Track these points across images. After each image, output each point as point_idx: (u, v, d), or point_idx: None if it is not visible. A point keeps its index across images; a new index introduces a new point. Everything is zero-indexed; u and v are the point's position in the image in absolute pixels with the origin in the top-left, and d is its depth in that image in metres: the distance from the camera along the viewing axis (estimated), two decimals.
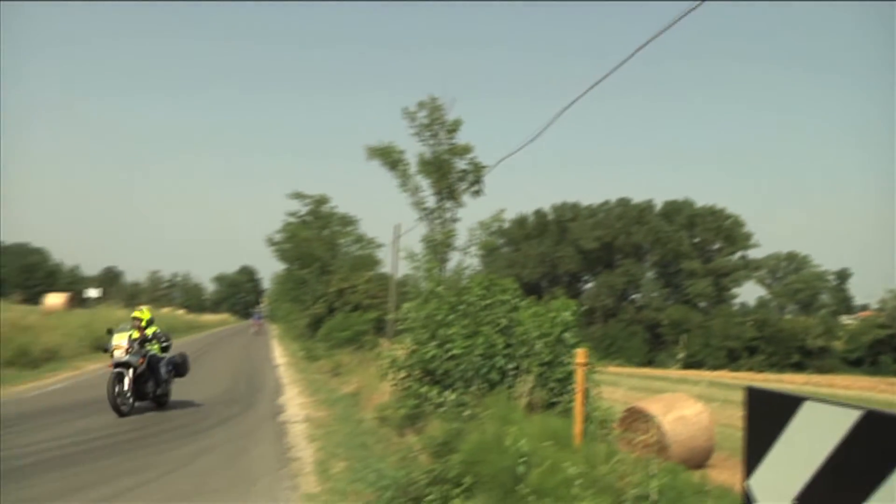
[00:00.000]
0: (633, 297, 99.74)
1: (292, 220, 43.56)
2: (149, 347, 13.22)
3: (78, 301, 51.03)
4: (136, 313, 13.69)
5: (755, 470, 2.89)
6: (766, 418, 2.82)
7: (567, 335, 9.64)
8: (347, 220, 42.92)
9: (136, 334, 12.93)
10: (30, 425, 10.95)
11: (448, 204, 23.34)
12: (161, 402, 13.66)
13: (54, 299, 49.77)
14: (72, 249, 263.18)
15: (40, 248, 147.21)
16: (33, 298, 62.25)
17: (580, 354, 6.76)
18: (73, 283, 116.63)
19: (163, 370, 13.52)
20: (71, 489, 7.28)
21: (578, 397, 6.52)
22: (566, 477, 5.06)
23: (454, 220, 23.54)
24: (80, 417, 11.97)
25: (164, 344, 13.73)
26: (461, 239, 23.27)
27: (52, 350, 21.74)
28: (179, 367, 14.30)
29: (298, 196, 42.65)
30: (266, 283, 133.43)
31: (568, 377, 9.47)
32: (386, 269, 39.23)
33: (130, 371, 12.49)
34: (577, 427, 6.30)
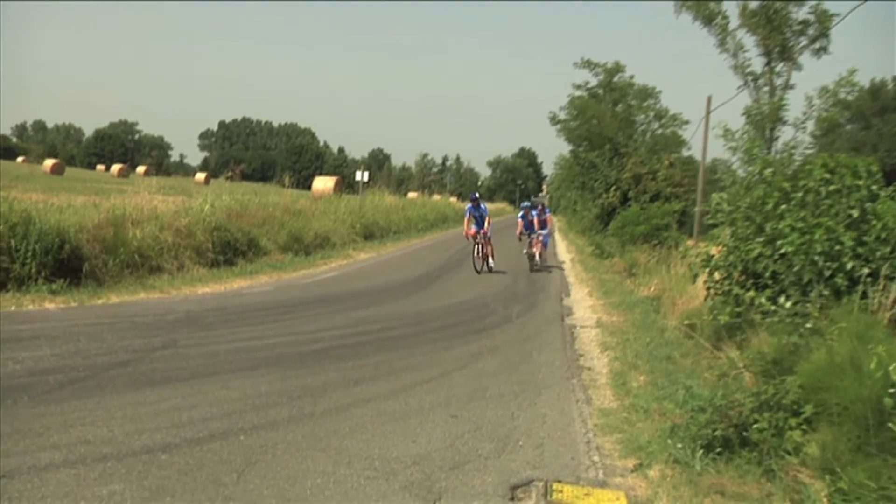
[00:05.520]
0: None
1: (580, 93, 43.35)
2: None
3: (346, 185, 55.90)
4: None
5: None
6: None
7: None
8: (646, 93, 41.72)
9: None
10: (307, 313, 12.35)
11: (779, 66, 21.65)
12: None
13: (323, 183, 55.03)
14: (338, 130, 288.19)
15: (308, 128, 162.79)
16: (302, 182, 69.41)
17: None
18: (340, 167, 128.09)
19: None
20: (349, 381, 8.10)
21: None
22: None
23: (786, 88, 21.84)
24: (354, 308, 13.23)
25: None
26: (794, 111, 21.55)
27: (323, 237, 24.09)
28: None
29: (588, 65, 42.23)
30: (548, 169, 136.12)
31: None
32: (692, 151, 37.90)
33: None
34: None
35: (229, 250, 17.68)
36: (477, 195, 22.10)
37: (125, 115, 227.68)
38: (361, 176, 39.46)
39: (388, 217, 34.17)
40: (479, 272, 20.63)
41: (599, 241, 31.59)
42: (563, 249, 35.98)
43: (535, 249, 23.22)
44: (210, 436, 5.87)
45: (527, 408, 7.67)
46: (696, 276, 10.89)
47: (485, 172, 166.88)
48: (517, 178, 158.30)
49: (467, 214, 21.58)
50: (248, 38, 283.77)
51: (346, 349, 9.76)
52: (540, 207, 24.74)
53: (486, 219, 21.07)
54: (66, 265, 12.58)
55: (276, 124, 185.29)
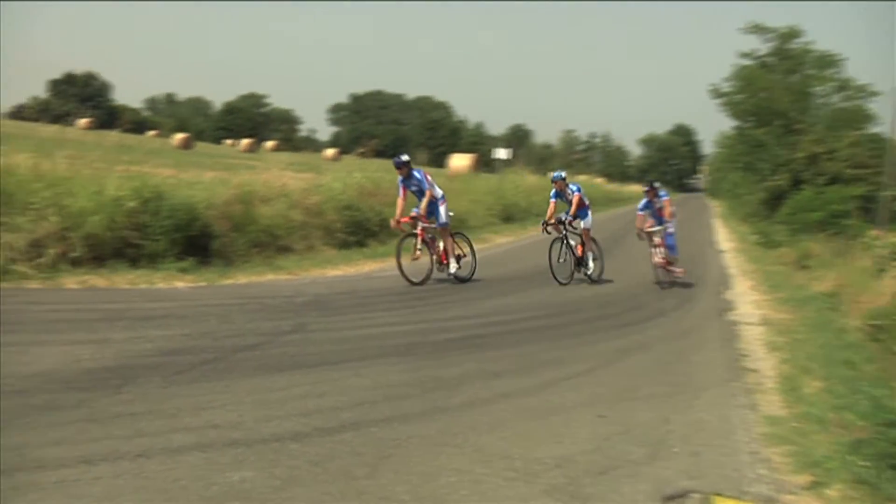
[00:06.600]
0: None
1: (748, 62, 42.06)
2: None
3: (484, 163, 56.11)
4: None
5: None
6: None
7: None
8: (827, 61, 39.94)
9: None
10: (441, 300, 12.58)
11: None
12: None
13: (459, 161, 55.46)
14: (476, 104, 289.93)
15: (443, 102, 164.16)
16: (437, 160, 70.16)
17: None
18: (477, 143, 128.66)
19: None
20: (487, 374, 8.11)
21: None
22: None
23: None
24: (492, 296, 13.40)
25: None
26: None
27: (459, 218, 24.18)
28: None
29: (758, 30, 40.93)
30: (707, 148, 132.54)
31: None
32: (883, 127, 36.01)
33: None
34: None
35: (360, 231, 18.02)
36: (405, 158, 14.60)
37: (254, 87, 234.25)
38: (501, 154, 39.49)
39: (529, 198, 33.91)
40: (416, 283, 13.65)
41: (765, 228, 30.59)
42: (724, 237, 34.98)
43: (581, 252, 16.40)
44: (341, 426, 5.98)
45: (682, 411, 7.46)
46: (882, 269, 10.43)
47: (635, 151, 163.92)
48: (671, 158, 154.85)
49: (399, 191, 14.72)
50: (381, 7, 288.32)
51: (482, 339, 9.80)
52: (649, 188, 17.18)
53: (428, 193, 14.44)
54: (196, 243, 13.16)
55: (409, 97, 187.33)
